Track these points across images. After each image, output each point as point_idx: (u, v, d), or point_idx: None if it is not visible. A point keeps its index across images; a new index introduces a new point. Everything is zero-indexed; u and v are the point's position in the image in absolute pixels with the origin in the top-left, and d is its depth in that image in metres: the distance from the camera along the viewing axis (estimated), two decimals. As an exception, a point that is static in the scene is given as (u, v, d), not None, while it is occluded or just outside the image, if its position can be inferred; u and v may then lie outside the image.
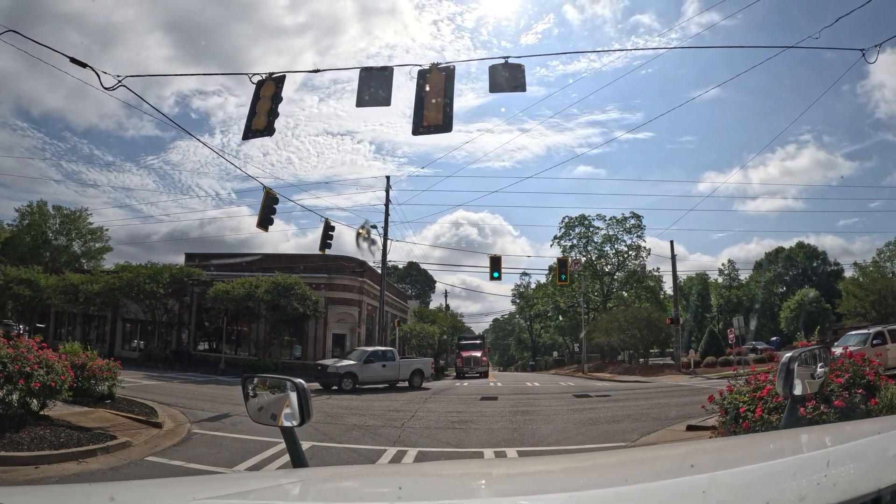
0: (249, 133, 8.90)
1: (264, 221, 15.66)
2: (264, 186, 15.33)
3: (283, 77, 8.89)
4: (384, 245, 25.68)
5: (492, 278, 23.32)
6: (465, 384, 24.79)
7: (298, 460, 1.82)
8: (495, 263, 23.95)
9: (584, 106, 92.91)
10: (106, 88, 11.32)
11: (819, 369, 1.96)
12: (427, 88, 7.98)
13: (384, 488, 1.47)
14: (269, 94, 8.73)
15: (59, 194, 76.90)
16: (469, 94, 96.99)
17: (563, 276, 24.20)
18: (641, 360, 38.67)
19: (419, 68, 8.08)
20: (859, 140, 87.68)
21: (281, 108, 9.00)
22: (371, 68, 8.28)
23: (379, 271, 28.30)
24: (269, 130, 8.86)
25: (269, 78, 8.82)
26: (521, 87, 8.13)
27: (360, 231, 25.09)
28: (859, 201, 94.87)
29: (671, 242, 33.58)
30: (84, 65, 11.41)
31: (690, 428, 9.41)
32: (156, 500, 1.29)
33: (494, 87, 8.23)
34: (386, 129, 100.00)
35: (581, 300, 42.89)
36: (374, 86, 8.22)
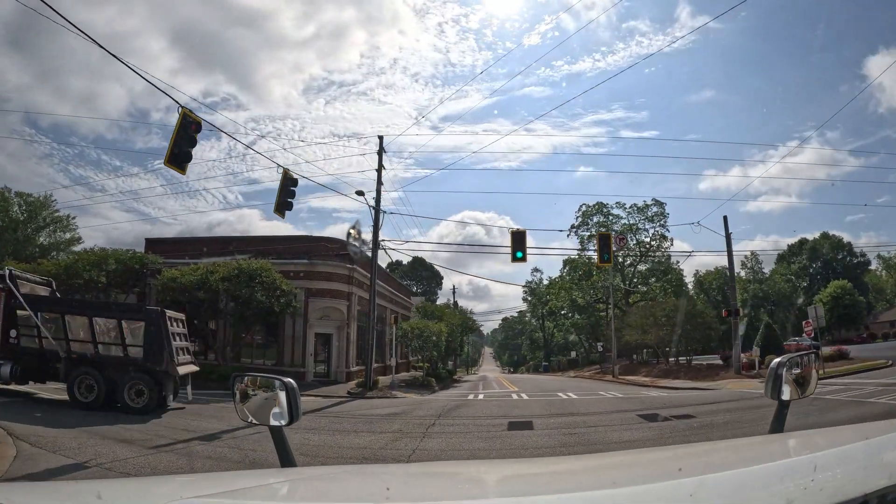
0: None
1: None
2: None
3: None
4: (376, 218, 20.19)
5: (514, 259, 18.04)
6: (481, 396, 19.36)
7: (287, 460, 1.83)
8: (518, 241, 18.63)
9: (589, 105, 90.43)
10: None
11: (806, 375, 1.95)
12: None
13: (372, 488, 1.45)
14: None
15: (65, 197, 72.98)
16: (475, 96, 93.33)
17: (606, 256, 18.79)
18: (682, 359, 33.21)
19: None
20: (863, 136, 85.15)
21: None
22: None
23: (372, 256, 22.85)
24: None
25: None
26: None
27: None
28: (867, 195, 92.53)
29: (724, 218, 27.95)
30: None
31: None
32: (143, 498, 1.27)
33: None
34: (392, 130, 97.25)
35: (611, 290, 37.40)
36: None
